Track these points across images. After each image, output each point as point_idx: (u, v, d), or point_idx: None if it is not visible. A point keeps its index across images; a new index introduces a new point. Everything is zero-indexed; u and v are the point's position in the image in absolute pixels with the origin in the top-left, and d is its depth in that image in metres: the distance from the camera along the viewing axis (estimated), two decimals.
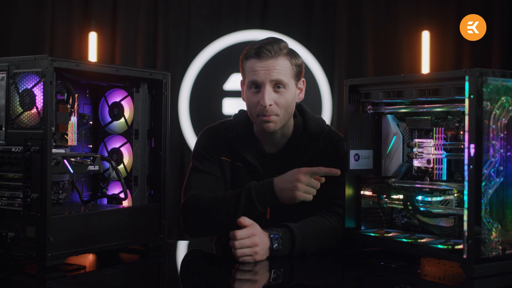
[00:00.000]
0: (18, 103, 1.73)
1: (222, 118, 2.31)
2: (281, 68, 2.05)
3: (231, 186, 2.18)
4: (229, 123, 2.24)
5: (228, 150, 2.17)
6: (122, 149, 2.04)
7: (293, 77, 2.09)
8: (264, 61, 2.04)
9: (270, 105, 2.04)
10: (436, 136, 1.87)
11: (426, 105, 1.88)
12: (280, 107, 2.06)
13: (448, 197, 1.83)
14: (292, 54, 2.09)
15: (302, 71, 2.14)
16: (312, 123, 2.18)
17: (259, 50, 2.05)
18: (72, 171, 1.82)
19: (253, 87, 2.07)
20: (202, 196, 2.04)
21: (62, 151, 1.86)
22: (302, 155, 2.13)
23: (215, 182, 2.13)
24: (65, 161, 1.80)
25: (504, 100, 1.66)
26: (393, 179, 1.95)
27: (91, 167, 1.87)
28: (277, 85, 2.05)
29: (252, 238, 1.82)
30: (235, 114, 2.26)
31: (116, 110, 2.05)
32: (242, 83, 2.15)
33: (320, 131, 2.16)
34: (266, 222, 1.96)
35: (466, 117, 1.61)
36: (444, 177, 1.86)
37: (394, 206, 1.98)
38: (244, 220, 1.86)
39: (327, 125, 2.22)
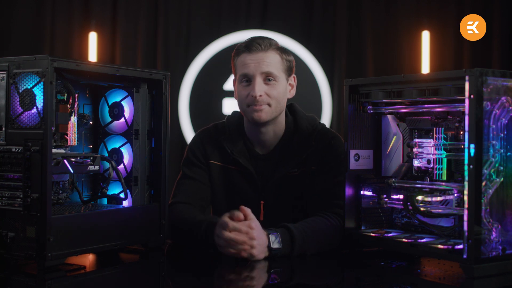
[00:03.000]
0: (18, 103, 1.73)
1: (222, 118, 2.31)
2: (271, 61, 2.08)
3: (223, 189, 2.18)
4: (221, 125, 2.24)
5: (220, 153, 2.18)
6: (122, 149, 2.04)
7: (284, 71, 2.11)
8: (255, 54, 2.08)
9: (261, 95, 2.06)
10: (436, 136, 1.87)
11: (426, 105, 1.88)
12: (272, 98, 2.08)
13: (448, 197, 1.83)
14: (283, 49, 2.14)
15: (293, 68, 2.17)
16: (304, 122, 2.18)
17: (249, 44, 2.10)
18: (72, 171, 1.82)
19: (244, 80, 2.10)
20: (181, 207, 2.11)
21: (62, 151, 1.86)
22: (295, 156, 2.13)
23: (200, 189, 2.18)
24: (65, 161, 1.80)
25: (504, 100, 1.66)
26: (393, 179, 1.95)
27: (91, 167, 1.87)
28: (268, 77, 2.08)
29: (249, 231, 1.81)
30: (228, 116, 2.27)
31: (116, 110, 2.05)
32: (234, 81, 2.17)
33: (312, 130, 2.17)
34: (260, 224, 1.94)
35: (466, 117, 1.61)
36: (444, 177, 1.86)
37: (394, 206, 1.98)
38: (244, 209, 1.85)
39: (320, 122, 2.22)
